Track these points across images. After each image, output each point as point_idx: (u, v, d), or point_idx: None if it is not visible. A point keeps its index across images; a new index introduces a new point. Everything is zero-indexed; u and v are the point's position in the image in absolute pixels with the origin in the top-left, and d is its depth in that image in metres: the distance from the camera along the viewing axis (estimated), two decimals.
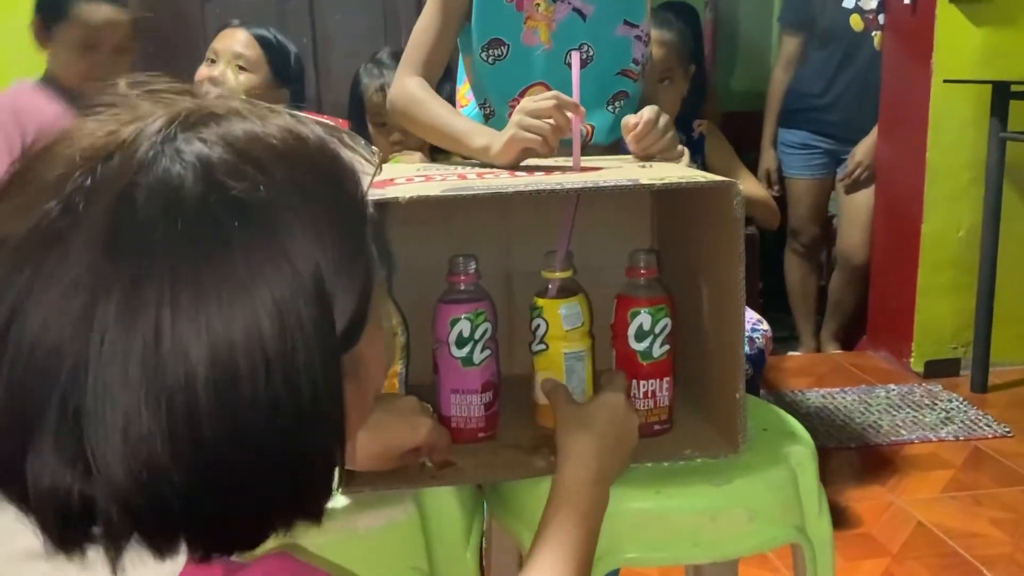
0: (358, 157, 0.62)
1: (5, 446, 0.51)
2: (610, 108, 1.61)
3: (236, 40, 2.14)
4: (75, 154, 0.53)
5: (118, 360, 0.49)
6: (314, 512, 0.58)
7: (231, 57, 2.11)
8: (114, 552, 0.52)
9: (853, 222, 3.35)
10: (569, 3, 1.55)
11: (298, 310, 0.53)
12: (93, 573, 0.53)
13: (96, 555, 0.53)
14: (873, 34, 3.22)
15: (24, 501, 0.52)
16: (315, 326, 0.53)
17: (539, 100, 1.29)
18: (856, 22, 3.22)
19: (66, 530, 0.52)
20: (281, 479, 0.54)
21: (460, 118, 1.51)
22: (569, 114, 1.27)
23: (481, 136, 1.39)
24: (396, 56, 2.16)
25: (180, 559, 0.53)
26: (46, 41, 2.07)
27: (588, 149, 1.57)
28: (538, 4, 1.54)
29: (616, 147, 1.56)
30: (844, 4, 3.22)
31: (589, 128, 1.59)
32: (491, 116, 1.61)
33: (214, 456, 0.51)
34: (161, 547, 0.53)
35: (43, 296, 0.50)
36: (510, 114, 1.33)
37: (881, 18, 3.19)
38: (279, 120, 0.58)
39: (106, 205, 0.51)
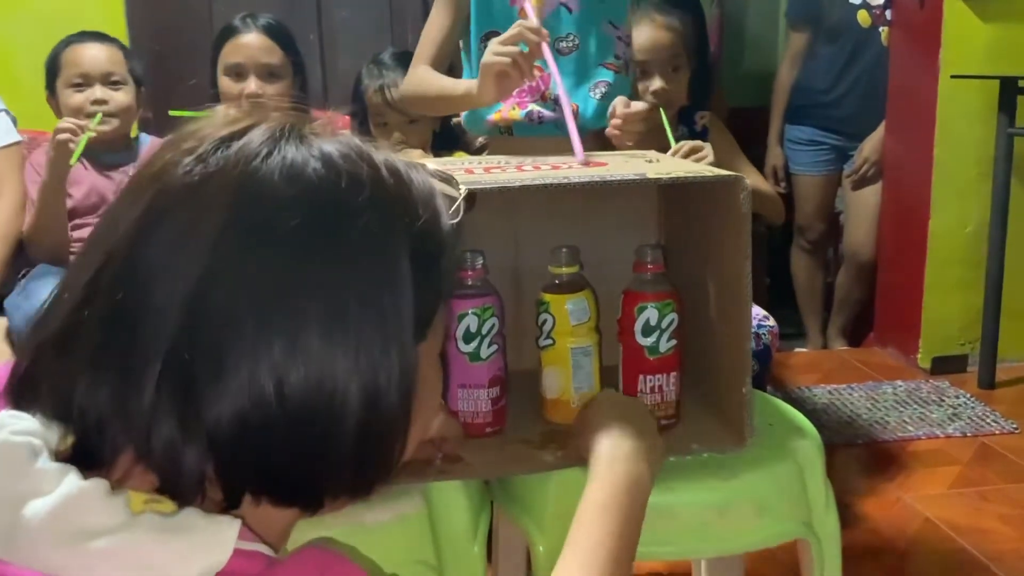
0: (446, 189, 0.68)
1: (128, 391, 0.55)
2: (593, 94, 1.73)
3: (257, 48, 2.06)
4: (211, 134, 0.60)
5: (227, 319, 0.55)
6: (364, 487, 0.62)
7: (261, 69, 2.05)
8: (191, 501, 0.56)
9: (860, 218, 3.34)
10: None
11: (394, 292, 0.59)
12: (136, 549, 0.54)
13: (139, 537, 0.54)
14: (880, 30, 3.21)
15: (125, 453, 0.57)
16: (399, 310, 0.59)
17: (505, 34, 1.47)
18: (863, 18, 3.21)
19: (177, 479, 0.56)
20: (348, 450, 0.58)
21: (447, 79, 1.71)
22: (534, 37, 1.43)
23: (464, 83, 1.62)
24: (398, 57, 2.17)
25: (227, 551, 0.55)
26: (57, 102, 2.13)
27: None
28: None
29: (604, 133, 1.69)
30: (851, 0, 3.22)
31: (575, 106, 1.69)
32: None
33: (301, 418, 0.56)
34: (231, 499, 0.57)
35: (175, 250, 0.56)
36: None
37: (888, 14, 3.18)
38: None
39: (238, 173, 0.57)
